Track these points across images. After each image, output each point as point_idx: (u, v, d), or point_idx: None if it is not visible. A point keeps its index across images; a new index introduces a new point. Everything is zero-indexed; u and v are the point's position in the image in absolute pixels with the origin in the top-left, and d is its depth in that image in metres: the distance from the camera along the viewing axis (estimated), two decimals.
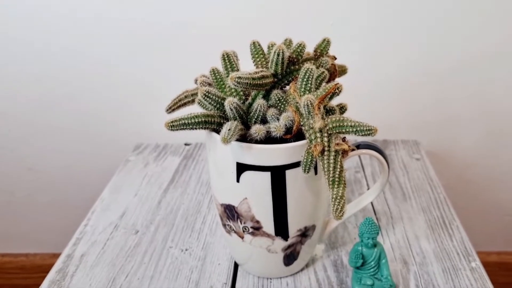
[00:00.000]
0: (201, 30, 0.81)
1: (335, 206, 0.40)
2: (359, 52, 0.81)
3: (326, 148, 0.42)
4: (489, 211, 0.95)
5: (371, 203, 0.67)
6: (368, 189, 0.71)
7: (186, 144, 0.86)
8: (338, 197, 0.40)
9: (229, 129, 0.42)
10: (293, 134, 0.45)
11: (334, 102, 0.46)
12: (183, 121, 0.44)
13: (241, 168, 0.45)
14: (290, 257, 0.52)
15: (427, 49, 0.81)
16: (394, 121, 0.87)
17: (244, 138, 0.45)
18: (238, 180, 0.46)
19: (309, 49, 0.50)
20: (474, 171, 0.91)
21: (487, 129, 0.88)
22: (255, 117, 0.45)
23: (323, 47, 0.50)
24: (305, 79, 0.44)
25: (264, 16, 0.80)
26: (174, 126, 0.43)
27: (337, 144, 0.41)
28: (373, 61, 0.83)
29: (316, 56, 0.50)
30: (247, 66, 0.48)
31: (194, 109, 0.46)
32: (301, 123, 0.44)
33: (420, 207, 0.67)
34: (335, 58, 0.51)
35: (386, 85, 0.85)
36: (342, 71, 0.52)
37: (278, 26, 0.78)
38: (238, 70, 0.47)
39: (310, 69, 0.44)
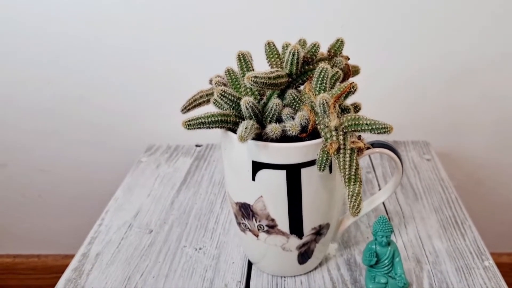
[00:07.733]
0: (211, 31, 0.82)
1: (352, 203, 0.40)
2: (369, 53, 0.81)
3: (341, 146, 0.42)
4: (499, 212, 0.95)
5: (383, 203, 0.67)
6: (380, 189, 0.71)
7: (197, 146, 0.87)
8: (355, 194, 0.40)
9: (245, 128, 0.42)
10: (308, 132, 0.45)
11: (348, 101, 0.46)
12: (200, 120, 0.44)
13: (257, 166, 0.46)
14: (304, 256, 0.52)
15: (437, 50, 0.82)
16: (404, 122, 0.87)
17: (260, 137, 0.46)
18: (253, 179, 0.47)
19: (321, 50, 0.50)
20: (484, 171, 0.91)
21: (497, 129, 0.88)
22: (271, 116, 0.46)
23: (337, 47, 0.50)
24: (320, 79, 0.44)
25: (272, 17, 0.81)
26: (191, 125, 0.44)
27: (353, 142, 0.42)
28: (382, 62, 0.83)
29: (330, 56, 0.51)
30: (256, 66, 0.49)
31: (209, 109, 0.46)
32: (316, 122, 0.44)
33: (432, 207, 0.67)
34: (349, 58, 0.52)
35: (395, 86, 0.85)
36: (355, 71, 0.53)
37: (288, 28, 0.79)
38: (253, 70, 0.48)
39: (325, 69, 0.44)
